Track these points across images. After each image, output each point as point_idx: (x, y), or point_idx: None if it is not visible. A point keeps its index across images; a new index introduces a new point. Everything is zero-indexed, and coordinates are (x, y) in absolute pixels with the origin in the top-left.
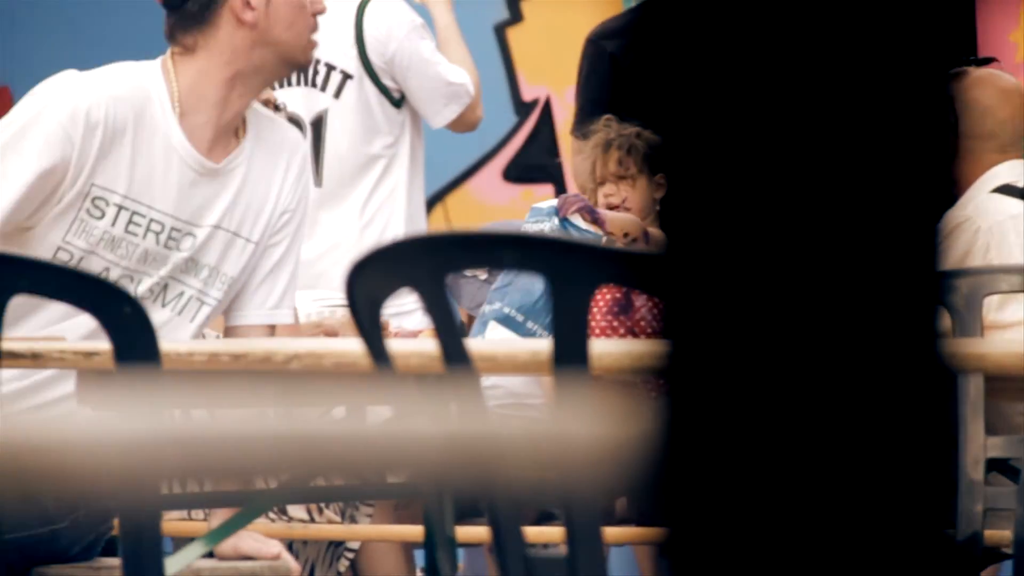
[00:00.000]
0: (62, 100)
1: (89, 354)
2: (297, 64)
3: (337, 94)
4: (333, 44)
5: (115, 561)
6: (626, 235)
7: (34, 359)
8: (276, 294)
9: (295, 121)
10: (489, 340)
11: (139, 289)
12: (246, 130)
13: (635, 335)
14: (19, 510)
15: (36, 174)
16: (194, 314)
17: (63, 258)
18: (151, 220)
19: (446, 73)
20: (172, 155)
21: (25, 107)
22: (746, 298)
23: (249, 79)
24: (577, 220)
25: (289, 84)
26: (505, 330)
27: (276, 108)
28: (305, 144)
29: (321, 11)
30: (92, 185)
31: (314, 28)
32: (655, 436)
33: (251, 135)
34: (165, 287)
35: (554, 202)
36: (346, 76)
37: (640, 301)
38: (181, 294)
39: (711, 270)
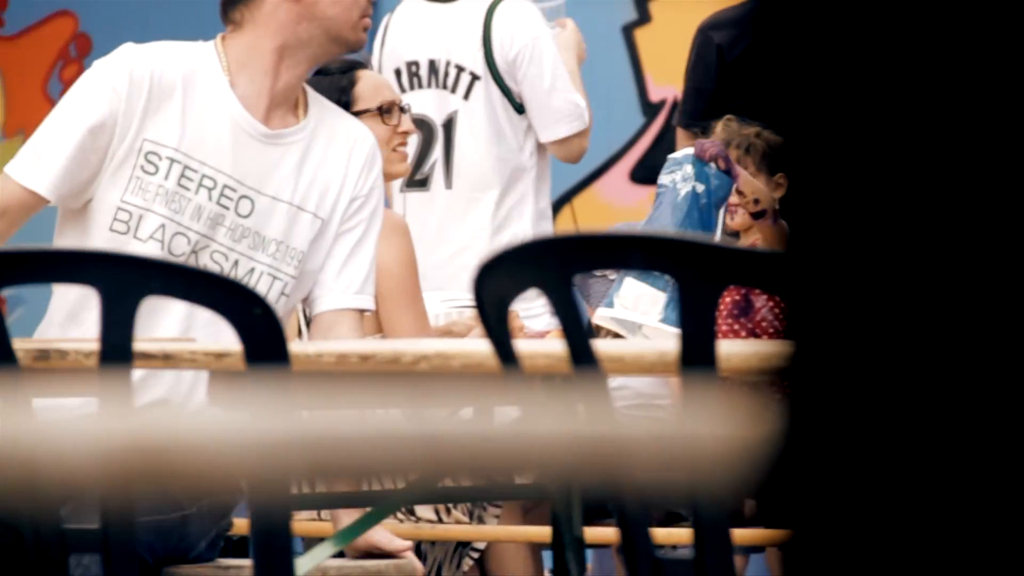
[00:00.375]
0: (110, 63)
1: (220, 355)
2: (346, 43)
3: (466, 96)
4: (463, 45)
5: (243, 562)
6: (756, 201)
7: (166, 360)
8: (358, 279)
9: (423, 122)
10: (616, 341)
11: (205, 261)
12: (307, 110)
13: (757, 337)
14: (151, 498)
15: (85, 128)
16: (267, 289)
17: (123, 218)
18: (203, 176)
19: (564, 89)
20: (224, 115)
21: (80, 79)
22: (870, 298)
23: (296, 52)
24: (712, 167)
25: (421, 86)
26: (642, 284)
27: (401, 110)
28: (372, 139)
29: None
30: (144, 140)
31: (364, 9)
32: (780, 437)
33: (314, 115)
34: (236, 263)
35: (690, 150)
36: (474, 77)
37: (760, 302)
38: (252, 270)
39: (835, 270)
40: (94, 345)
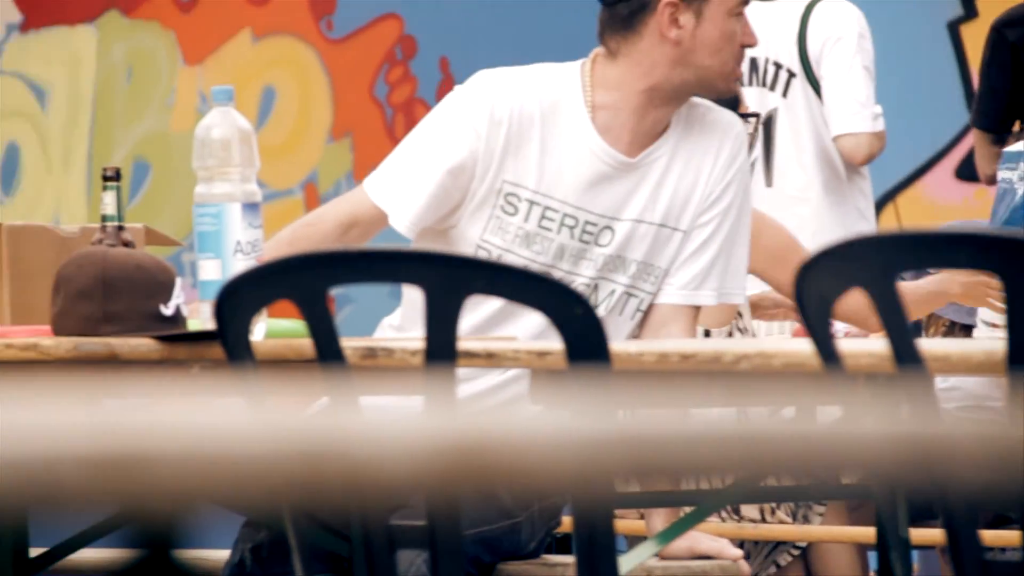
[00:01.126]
0: (469, 97)
1: (542, 354)
2: (716, 92)
3: (784, 93)
4: (780, 42)
5: (568, 559)
6: None
7: (489, 358)
8: (696, 275)
9: (754, 116)
10: (942, 340)
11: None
12: (668, 124)
13: None
14: (481, 506)
15: (445, 169)
16: (622, 308)
17: (482, 256)
18: (564, 215)
19: (859, 88)
20: (584, 151)
21: (438, 108)
22: None
23: (665, 93)
24: None
25: (743, 84)
26: None
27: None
28: (740, 126)
29: (752, 44)
30: (503, 181)
31: (740, 59)
32: None
33: (675, 127)
34: (596, 287)
35: None
36: (791, 75)
37: None
38: (612, 292)
39: None
40: (420, 344)
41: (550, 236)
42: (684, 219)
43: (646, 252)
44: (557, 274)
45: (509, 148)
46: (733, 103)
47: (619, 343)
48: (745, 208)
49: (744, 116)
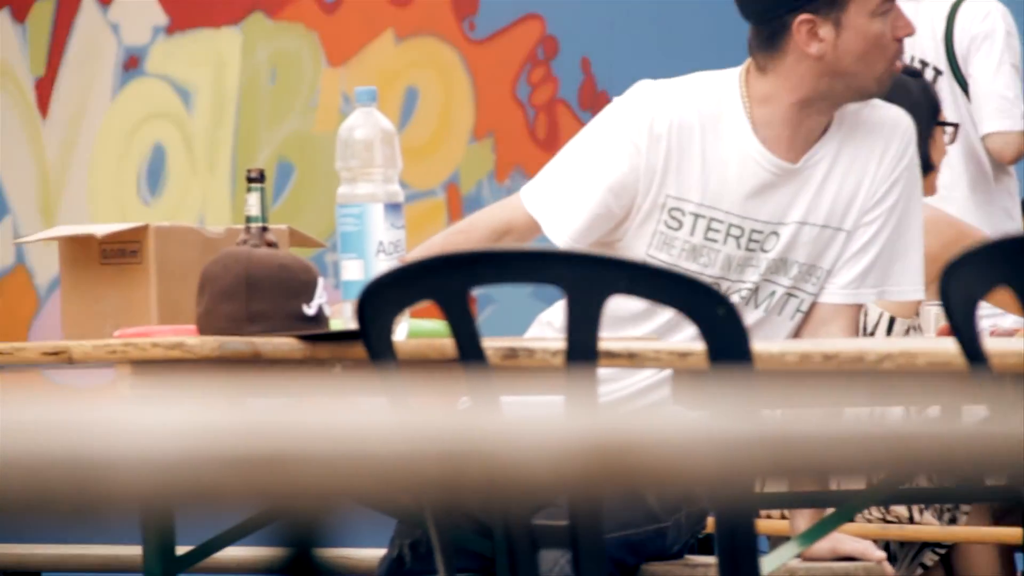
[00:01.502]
0: (630, 111)
1: (684, 354)
2: (869, 94)
3: None
4: (926, 40)
5: (709, 559)
6: None
7: (630, 359)
8: (858, 274)
9: (953, 126)
10: None
11: (732, 298)
12: (830, 124)
13: None
14: (626, 509)
15: (606, 187)
16: (782, 308)
17: None
18: (729, 225)
19: (1015, 89)
20: (746, 160)
21: (598, 121)
22: None
23: (817, 104)
24: None
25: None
26: None
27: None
28: (908, 122)
29: (908, 33)
30: (666, 196)
31: (895, 54)
32: None
33: (837, 127)
34: (756, 289)
35: None
36: (937, 72)
37: None
38: (772, 293)
39: None
40: (560, 344)
41: (716, 247)
42: (848, 219)
43: (809, 254)
44: (724, 285)
45: (670, 162)
46: (933, 111)
47: (762, 343)
48: (914, 205)
49: (942, 124)
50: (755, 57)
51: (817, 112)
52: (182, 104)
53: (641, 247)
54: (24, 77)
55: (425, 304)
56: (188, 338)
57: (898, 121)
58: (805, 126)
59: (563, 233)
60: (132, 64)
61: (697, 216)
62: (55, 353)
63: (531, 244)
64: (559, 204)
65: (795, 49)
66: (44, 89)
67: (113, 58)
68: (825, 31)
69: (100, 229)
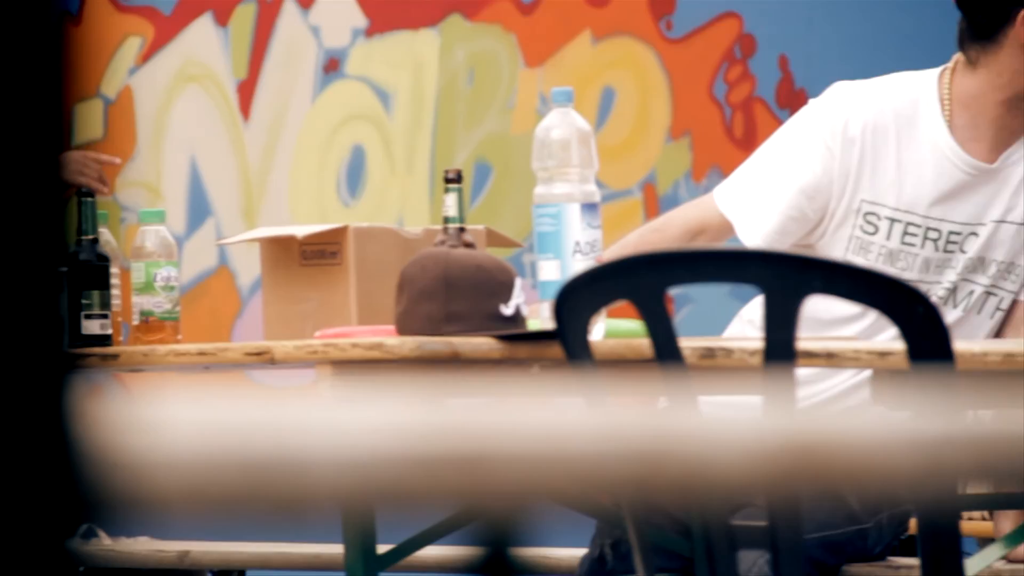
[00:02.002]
0: (824, 113)
1: (883, 354)
2: None
3: None
4: None
5: (912, 561)
6: None
7: (829, 358)
8: None
9: None
10: None
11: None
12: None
13: None
14: (827, 510)
15: (797, 188)
16: (981, 307)
17: None
18: (927, 229)
19: None
20: (943, 163)
21: (792, 122)
22: None
23: (1022, 103)
24: None
25: None
26: None
27: None
28: None
29: None
30: (861, 200)
31: None
32: None
33: None
34: (955, 289)
35: None
36: None
37: None
38: (971, 292)
39: None
40: (759, 343)
41: (914, 251)
42: None
43: (1008, 252)
44: (923, 287)
45: (864, 165)
46: None
47: (964, 342)
48: None
49: None
50: (966, 50)
51: (1022, 112)
52: (381, 106)
53: (838, 252)
54: (226, 80)
55: (622, 304)
56: (387, 339)
57: None
58: (1008, 127)
59: (755, 234)
60: (332, 66)
61: (893, 221)
62: (258, 353)
63: (725, 244)
64: (751, 205)
65: (1014, 43)
66: (246, 92)
67: (314, 60)
68: None
69: (300, 230)
